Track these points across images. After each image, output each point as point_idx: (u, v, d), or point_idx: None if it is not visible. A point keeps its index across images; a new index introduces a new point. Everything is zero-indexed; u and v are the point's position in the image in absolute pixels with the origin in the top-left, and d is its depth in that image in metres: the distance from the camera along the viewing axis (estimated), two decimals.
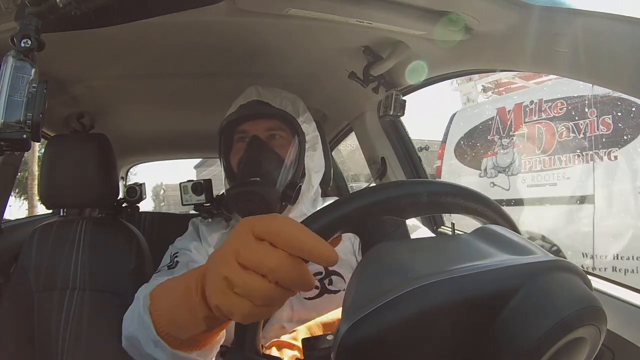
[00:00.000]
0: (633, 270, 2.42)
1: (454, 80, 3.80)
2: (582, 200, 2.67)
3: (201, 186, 0.94)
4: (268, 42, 0.91)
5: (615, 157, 2.52)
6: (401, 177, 1.28)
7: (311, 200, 0.83)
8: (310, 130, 0.81)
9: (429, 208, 0.41)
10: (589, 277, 0.34)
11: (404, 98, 1.09)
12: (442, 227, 1.31)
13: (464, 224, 0.59)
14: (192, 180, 0.96)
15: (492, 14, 0.69)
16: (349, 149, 2.21)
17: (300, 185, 0.77)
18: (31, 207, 8.43)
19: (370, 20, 0.75)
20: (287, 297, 0.35)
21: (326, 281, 0.73)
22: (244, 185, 0.72)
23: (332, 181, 0.91)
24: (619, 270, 2.46)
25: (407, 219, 0.40)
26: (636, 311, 0.65)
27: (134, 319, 0.53)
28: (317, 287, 0.73)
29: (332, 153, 1.62)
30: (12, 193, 1.33)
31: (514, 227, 0.44)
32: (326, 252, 0.33)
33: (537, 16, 0.64)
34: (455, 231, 0.44)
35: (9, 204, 1.29)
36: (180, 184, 0.96)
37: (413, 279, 0.30)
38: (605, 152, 2.56)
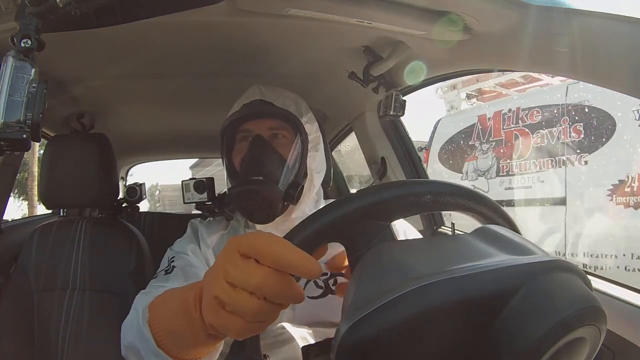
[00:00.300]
0: (602, 267, 2.56)
1: (439, 88, 4.02)
2: (555, 201, 2.84)
3: (203, 184, 0.94)
4: (268, 42, 0.92)
5: (586, 162, 2.71)
6: (401, 177, 1.28)
7: (313, 200, 0.83)
8: (312, 130, 0.81)
9: (411, 209, 0.40)
10: (589, 277, 0.34)
11: (404, 98, 1.09)
12: (442, 227, 1.31)
13: (464, 223, 0.59)
14: (195, 178, 0.95)
15: (492, 14, 0.69)
16: (341, 150, 2.21)
17: (303, 185, 0.77)
18: (31, 207, 8.46)
19: (370, 20, 0.75)
20: (278, 311, 0.36)
21: (330, 281, 0.74)
22: (246, 184, 0.72)
23: (332, 181, 0.91)
24: (589, 267, 2.59)
25: (391, 221, 0.40)
26: (636, 311, 0.65)
27: (132, 329, 0.54)
28: (320, 287, 0.73)
29: (332, 153, 1.62)
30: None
31: (487, 203, 0.43)
32: (309, 266, 0.34)
33: (537, 16, 0.64)
34: (455, 231, 0.44)
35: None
36: (183, 181, 0.96)
37: (413, 279, 0.30)
38: (576, 157, 2.76)
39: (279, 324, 0.70)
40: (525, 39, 0.68)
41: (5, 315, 1.02)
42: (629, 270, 2.46)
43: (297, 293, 0.35)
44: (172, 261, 0.74)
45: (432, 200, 0.40)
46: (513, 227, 0.44)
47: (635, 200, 2.48)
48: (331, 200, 0.43)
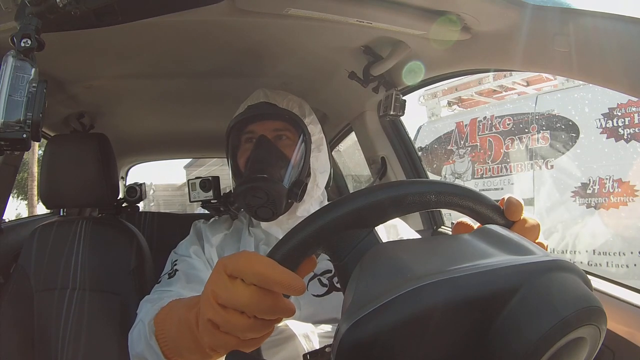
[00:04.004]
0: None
1: (421, 96, 4.28)
2: (524, 202, 3.02)
3: (209, 183, 0.94)
4: (268, 42, 0.91)
5: (552, 166, 3.02)
6: (401, 177, 1.28)
7: (318, 200, 0.84)
8: (316, 131, 0.82)
9: (392, 212, 0.40)
10: (589, 277, 0.34)
11: (404, 98, 1.09)
12: (442, 227, 1.31)
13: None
14: (200, 177, 0.96)
15: (491, 14, 0.69)
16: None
17: (306, 183, 0.78)
18: (31, 207, 8.47)
19: (370, 20, 0.75)
20: (271, 327, 0.37)
21: (335, 279, 0.74)
22: (251, 181, 0.73)
23: (332, 181, 0.91)
24: None
25: (373, 227, 0.39)
26: (636, 311, 0.65)
27: (140, 341, 0.57)
28: (325, 285, 0.74)
29: (332, 153, 1.62)
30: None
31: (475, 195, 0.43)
32: (291, 283, 0.35)
33: (537, 16, 0.64)
34: None
35: None
36: (189, 180, 0.96)
37: (412, 279, 0.30)
38: (543, 161, 3.07)
39: (283, 322, 0.71)
40: (524, 39, 0.68)
41: (5, 315, 1.02)
42: (591, 265, 2.71)
43: (285, 308, 0.37)
44: (175, 264, 0.75)
45: (412, 202, 0.39)
46: (475, 195, 0.42)
47: (595, 201, 2.77)
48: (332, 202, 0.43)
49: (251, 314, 0.36)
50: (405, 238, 0.83)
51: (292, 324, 0.69)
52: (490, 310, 0.30)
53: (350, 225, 0.38)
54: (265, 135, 0.77)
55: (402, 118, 1.22)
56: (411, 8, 0.72)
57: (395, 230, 0.83)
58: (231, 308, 0.36)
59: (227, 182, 0.90)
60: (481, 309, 0.30)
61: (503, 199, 0.44)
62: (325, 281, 0.74)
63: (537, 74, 3.45)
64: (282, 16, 0.73)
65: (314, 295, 0.73)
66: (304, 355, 0.57)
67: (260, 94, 0.82)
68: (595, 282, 0.74)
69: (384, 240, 0.39)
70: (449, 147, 3.77)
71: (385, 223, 0.40)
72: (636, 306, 0.66)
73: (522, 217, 0.43)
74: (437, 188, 0.41)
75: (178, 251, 0.80)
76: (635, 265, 2.58)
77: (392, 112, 1.07)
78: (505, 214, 0.43)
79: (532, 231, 0.43)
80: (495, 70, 3.03)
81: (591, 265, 2.71)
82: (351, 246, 0.38)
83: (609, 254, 2.68)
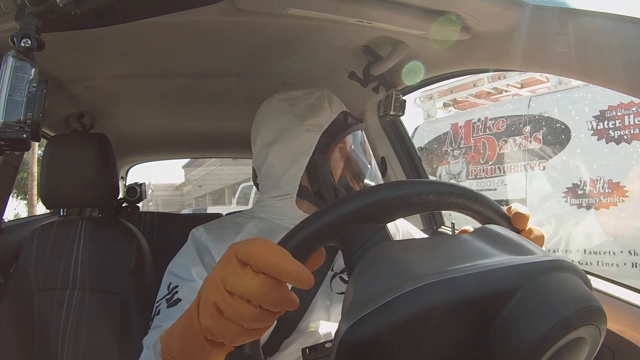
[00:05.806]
0: None
1: (417, 98, 4.29)
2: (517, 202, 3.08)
3: None
4: (268, 41, 0.91)
5: (544, 168, 3.07)
6: (401, 177, 1.28)
7: None
8: None
9: (406, 209, 0.40)
10: (589, 277, 0.34)
11: (404, 98, 1.09)
12: (442, 227, 1.31)
13: (464, 223, 0.59)
14: None
15: (491, 14, 0.69)
16: None
17: None
18: (31, 206, 8.47)
19: (370, 20, 0.75)
20: (274, 318, 0.37)
21: None
22: None
23: None
24: None
25: (386, 223, 0.39)
26: (636, 311, 0.65)
27: None
28: (346, 282, 0.73)
29: None
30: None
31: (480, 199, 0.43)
32: (300, 275, 0.34)
33: (537, 16, 0.64)
34: (455, 231, 0.44)
35: None
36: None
37: (412, 279, 0.30)
38: (536, 163, 3.12)
39: (314, 324, 0.68)
40: (524, 39, 0.68)
41: (5, 315, 1.02)
42: (582, 263, 2.71)
43: (291, 301, 0.36)
44: (176, 292, 0.65)
45: (428, 200, 0.40)
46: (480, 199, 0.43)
47: (587, 202, 2.81)
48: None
49: (257, 303, 0.35)
50: (411, 235, 0.84)
51: (322, 326, 0.67)
52: (490, 310, 0.30)
53: (364, 218, 0.38)
54: (357, 150, 0.76)
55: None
56: (411, 8, 0.72)
57: (402, 227, 0.83)
58: (238, 296, 0.35)
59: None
60: (481, 309, 0.30)
61: (510, 207, 0.45)
62: (346, 278, 0.73)
63: (531, 76, 3.46)
64: (282, 16, 0.73)
65: (338, 294, 0.72)
66: (304, 350, 0.56)
67: (336, 99, 0.77)
68: (595, 282, 0.74)
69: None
70: (444, 148, 3.80)
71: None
72: (636, 306, 0.66)
73: (528, 227, 0.44)
74: (451, 190, 0.42)
75: (177, 273, 0.68)
76: (625, 264, 2.61)
77: (392, 112, 1.07)
78: (511, 221, 0.44)
79: (536, 242, 0.43)
80: (495, 70, 3.04)
81: (582, 264, 2.74)
82: (363, 240, 0.38)
83: (600, 253, 2.71)
